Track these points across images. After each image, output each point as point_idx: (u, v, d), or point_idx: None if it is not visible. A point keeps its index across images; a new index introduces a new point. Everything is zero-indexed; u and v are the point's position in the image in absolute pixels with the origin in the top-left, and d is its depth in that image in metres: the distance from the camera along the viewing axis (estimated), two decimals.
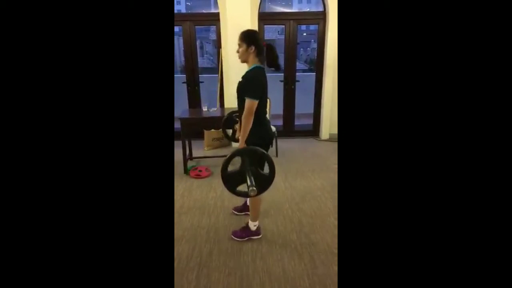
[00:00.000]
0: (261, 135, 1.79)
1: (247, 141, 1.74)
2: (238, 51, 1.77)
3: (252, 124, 1.72)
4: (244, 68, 1.81)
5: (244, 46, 1.73)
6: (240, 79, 1.79)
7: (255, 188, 1.42)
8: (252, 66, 1.76)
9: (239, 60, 1.81)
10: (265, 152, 1.51)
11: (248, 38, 1.74)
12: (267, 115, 1.84)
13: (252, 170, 1.49)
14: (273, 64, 1.81)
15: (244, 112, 1.69)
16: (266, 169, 1.54)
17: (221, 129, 3.79)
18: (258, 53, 1.74)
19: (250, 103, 1.67)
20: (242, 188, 1.53)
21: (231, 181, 1.50)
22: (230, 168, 1.52)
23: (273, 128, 3.27)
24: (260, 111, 1.77)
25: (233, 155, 1.47)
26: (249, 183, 1.44)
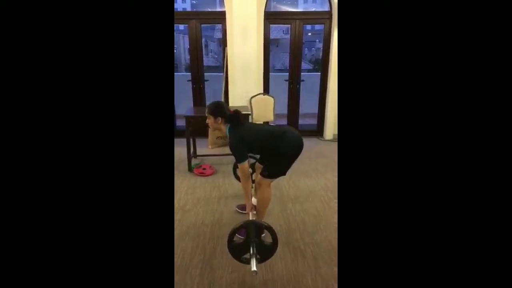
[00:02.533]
0: (285, 145, 1.82)
1: (273, 153, 1.84)
2: (207, 123, 1.91)
3: (272, 144, 1.82)
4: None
5: (212, 118, 1.88)
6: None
7: (256, 269, 1.48)
8: (226, 131, 1.90)
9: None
10: (269, 225, 1.58)
11: (214, 111, 1.87)
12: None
13: (256, 241, 1.57)
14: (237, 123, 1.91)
15: (240, 176, 1.90)
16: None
17: None
18: (226, 121, 1.89)
19: (241, 167, 1.83)
20: (248, 255, 1.61)
21: (236, 251, 1.57)
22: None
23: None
24: (267, 138, 1.84)
25: (239, 228, 1.54)
26: (251, 252, 1.53)
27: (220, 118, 1.86)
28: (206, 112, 1.91)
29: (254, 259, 1.50)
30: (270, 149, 1.85)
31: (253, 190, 2.13)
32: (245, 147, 1.82)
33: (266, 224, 1.59)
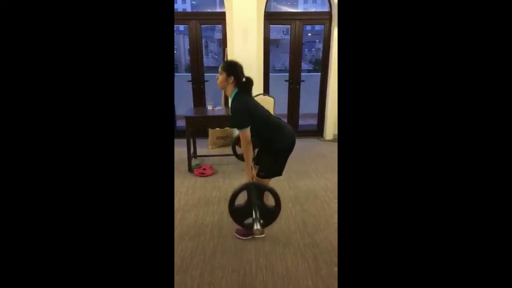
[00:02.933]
0: (279, 139, 1.82)
1: (268, 149, 1.81)
2: (217, 78, 1.85)
3: (267, 133, 1.81)
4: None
5: (224, 74, 1.81)
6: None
7: (259, 227, 1.43)
8: (232, 94, 1.84)
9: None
10: (270, 187, 1.53)
11: (229, 68, 1.82)
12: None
13: (258, 204, 1.51)
14: (245, 91, 1.87)
15: (241, 143, 1.80)
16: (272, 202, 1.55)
17: (225, 128, 3.81)
18: (236, 84, 1.83)
19: (242, 134, 1.77)
20: (249, 220, 1.55)
21: (238, 215, 1.52)
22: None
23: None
24: (266, 122, 1.83)
25: (240, 190, 1.49)
26: (254, 217, 1.46)
27: (232, 78, 1.80)
28: (220, 67, 1.83)
29: (257, 223, 1.43)
30: (264, 137, 1.83)
31: None
32: (247, 114, 1.77)
33: (267, 187, 1.52)
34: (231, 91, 1.84)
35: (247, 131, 1.77)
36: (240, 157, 2.47)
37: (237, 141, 2.43)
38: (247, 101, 1.82)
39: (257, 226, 1.40)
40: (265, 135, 1.84)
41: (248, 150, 1.80)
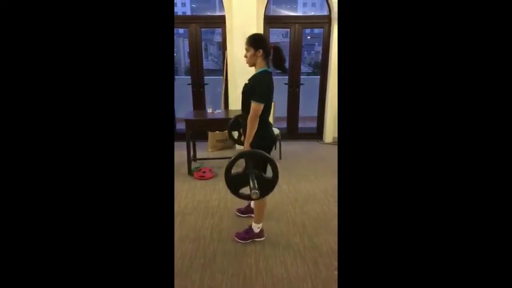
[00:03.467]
0: (264, 137, 1.80)
1: (250, 144, 1.76)
2: (246, 56, 1.78)
3: (260, 126, 1.74)
4: (249, 70, 1.83)
5: (252, 50, 1.75)
6: (247, 81, 1.80)
7: (257, 191, 1.41)
8: (260, 69, 1.77)
9: (244, 63, 1.83)
10: (269, 155, 1.52)
11: (255, 42, 1.75)
12: (271, 120, 1.86)
13: (255, 173, 1.49)
14: (280, 66, 1.82)
15: (250, 115, 1.71)
16: (270, 173, 1.54)
17: (225, 131, 3.81)
18: (266, 56, 1.76)
19: (256, 107, 1.68)
20: (245, 190, 1.53)
21: (234, 184, 1.50)
22: (234, 170, 1.52)
23: (276, 131, 3.27)
24: (265, 115, 1.79)
25: (237, 158, 1.48)
26: (251, 185, 1.44)
27: (261, 51, 1.73)
28: (245, 43, 1.77)
29: (255, 191, 1.40)
30: (263, 123, 1.79)
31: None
32: (267, 93, 1.72)
33: (265, 154, 1.50)
34: (260, 66, 1.77)
35: (261, 106, 1.69)
36: (235, 141, 2.41)
37: (233, 125, 2.37)
38: (271, 82, 1.76)
39: (254, 190, 1.38)
40: (259, 125, 1.77)
41: (254, 124, 1.71)
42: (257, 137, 1.75)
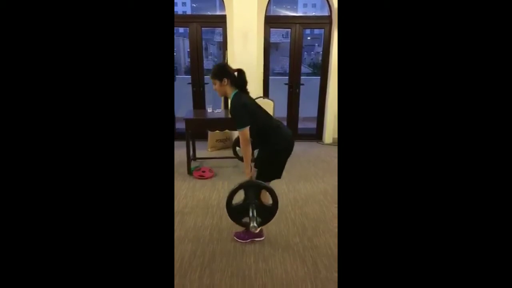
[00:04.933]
0: (277, 141, 1.82)
1: (265, 150, 1.81)
2: (214, 89, 1.84)
3: (265, 135, 1.80)
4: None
5: (218, 82, 1.80)
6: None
7: (256, 225, 1.45)
8: (232, 95, 1.83)
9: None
10: (268, 186, 1.55)
11: (219, 73, 1.81)
12: None
13: (255, 203, 1.52)
14: (242, 89, 1.85)
15: (240, 142, 1.78)
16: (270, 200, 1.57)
17: (225, 131, 3.81)
18: (233, 82, 1.81)
19: (241, 133, 1.75)
20: (248, 219, 1.57)
21: (236, 214, 1.53)
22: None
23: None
24: (265, 121, 1.83)
25: (237, 189, 1.50)
26: (251, 216, 1.47)
27: (226, 80, 1.79)
28: (210, 77, 1.84)
29: (254, 221, 1.45)
30: (262, 137, 1.83)
31: None
32: (247, 114, 1.76)
33: (264, 184, 1.53)
34: (231, 92, 1.83)
35: (246, 130, 1.74)
36: (241, 158, 2.47)
37: (237, 142, 2.43)
38: (245, 99, 1.81)
39: (253, 224, 1.40)
40: (263, 134, 1.83)
41: (247, 150, 1.78)
42: (269, 143, 1.80)
